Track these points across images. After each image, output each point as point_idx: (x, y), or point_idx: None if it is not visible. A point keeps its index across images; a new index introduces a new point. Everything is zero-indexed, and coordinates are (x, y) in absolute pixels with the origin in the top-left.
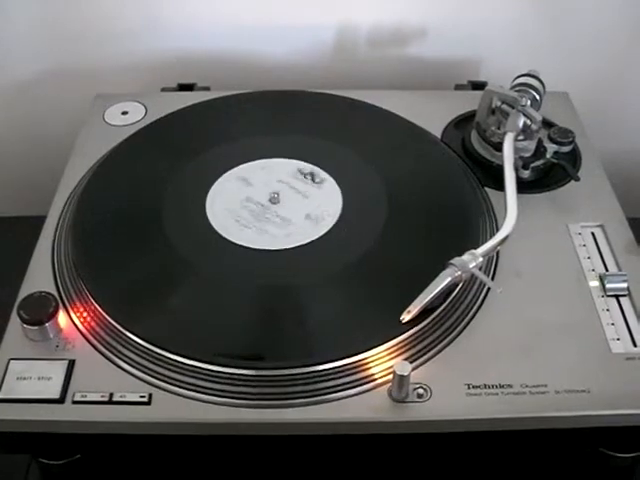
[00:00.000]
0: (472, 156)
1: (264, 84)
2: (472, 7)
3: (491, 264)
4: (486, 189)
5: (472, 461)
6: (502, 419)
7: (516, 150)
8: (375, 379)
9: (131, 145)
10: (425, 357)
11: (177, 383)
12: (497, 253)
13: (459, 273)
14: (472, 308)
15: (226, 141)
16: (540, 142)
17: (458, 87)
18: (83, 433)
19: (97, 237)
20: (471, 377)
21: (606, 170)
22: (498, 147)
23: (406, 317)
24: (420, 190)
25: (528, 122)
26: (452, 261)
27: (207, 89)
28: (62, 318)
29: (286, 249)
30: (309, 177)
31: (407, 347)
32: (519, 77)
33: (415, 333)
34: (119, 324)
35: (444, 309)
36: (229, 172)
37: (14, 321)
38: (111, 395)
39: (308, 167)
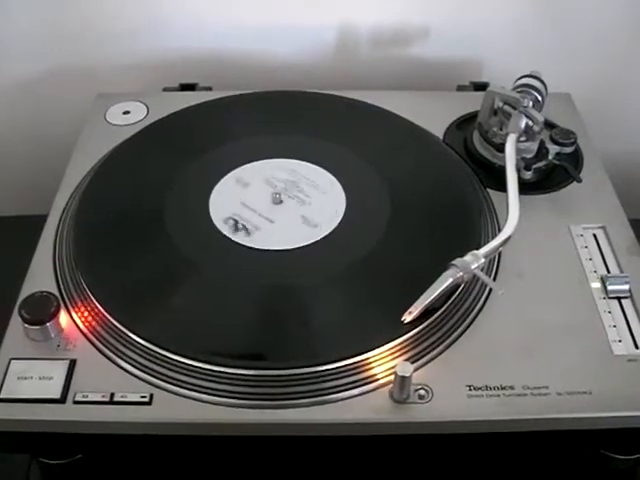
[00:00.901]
0: (474, 157)
1: (266, 84)
2: (474, 7)
3: (493, 265)
4: (488, 190)
5: (473, 462)
6: (503, 421)
7: (518, 151)
8: (376, 380)
9: (133, 145)
10: (426, 358)
11: (178, 383)
12: (499, 254)
13: (461, 274)
14: (474, 309)
15: (228, 141)
16: (542, 143)
17: (460, 88)
18: (84, 433)
19: (98, 237)
20: (472, 378)
21: (608, 171)
22: (500, 148)
23: (407, 318)
24: (422, 191)
25: (530, 123)
26: (454, 262)
27: (209, 89)
28: (63, 318)
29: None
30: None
31: (409, 348)
32: (521, 78)
33: (417, 334)
34: (120, 324)
35: (446, 310)
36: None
37: (15, 321)
38: (112, 395)
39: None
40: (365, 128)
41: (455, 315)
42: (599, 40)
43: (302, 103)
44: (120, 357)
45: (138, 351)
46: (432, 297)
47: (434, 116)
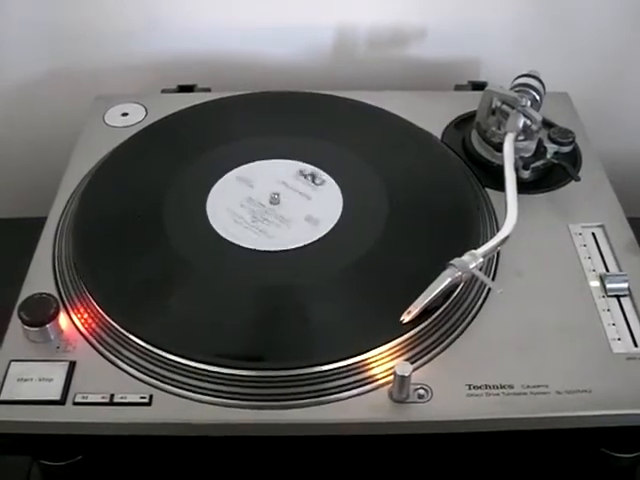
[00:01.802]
0: (472, 156)
1: (264, 85)
2: (472, 7)
3: (492, 264)
4: (486, 189)
5: (473, 462)
6: (503, 419)
7: (516, 150)
8: (376, 380)
9: (131, 147)
10: (426, 358)
11: (178, 384)
12: (497, 253)
13: (459, 274)
14: (473, 309)
15: (226, 142)
16: (540, 142)
17: (458, 87)
18: (84, 434)
19: (98, 238)
20: (472, 378)
21: (606, 170)
22: (498, 147)
23: (406, 318)
24: (420, 191)
25: (528, 122)
26: (452, 262)
27: (207, 90)
28: (63, 319)
29: (287, 250)
30: (310, 178)
31: (408, 348)
32: (519, 77)
33: (416, 334)
34: (120, 325)
35: (444, 310)
36: (229, 173)
37: (15, 323)
38: (112, 396)
39: (309, 168)
40: (363, 128)
41: (454, 315)
42: (597, 40)
43: (300, 104)
44: (120, 358)
45: (137, 352)
46: (431, 297)
47: (432, 116)
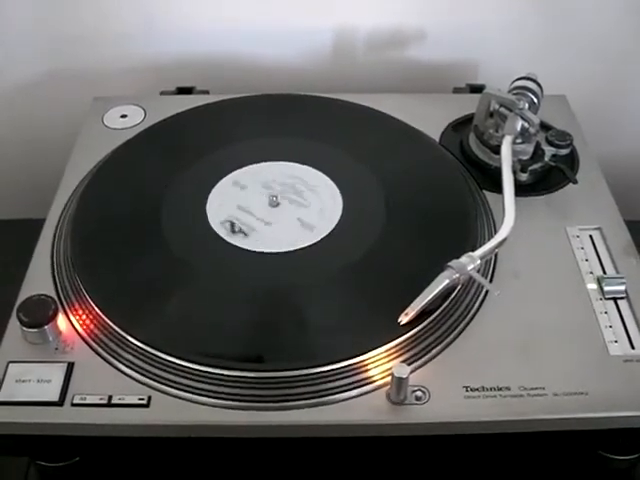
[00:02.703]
0: (470, 159)
1: (263, 87)
2: (470, 10)
3: (489, 266)
4: (484, 192)
5: (470, 463)
6: (500, 421)
7: (514, 153)
8: (373, 381)
9: (130, 148)
10: (423, 359)
11: (176, 386)
12: (495, 255)
13: (457, 275)
14: (470, 310)
15: (225, 144)
16: (538, 145)
17: (456, 90)
18: (82, 436)
19: (96, 240)
20: (469, 379)
21: (604, 173)
22: (496, 150)
23: (404, 319)
24: (418, 193)
25: (526, 125)
26: (450, 263)
27: (206, 93)
28: (61, 321)
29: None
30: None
31: (405, 349)
32: (517, 80)
33: (413, 335)
34: (118, 327)
35: (442, 311)
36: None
37: (13, 324)
38: (110, 398)
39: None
40: (362, 130)
41: (452, 316)
42: (596, 43)
43: (299, 106)
44: (118, 360)
45: (136, 354)
46: (428, 299)
47: (430, 118)
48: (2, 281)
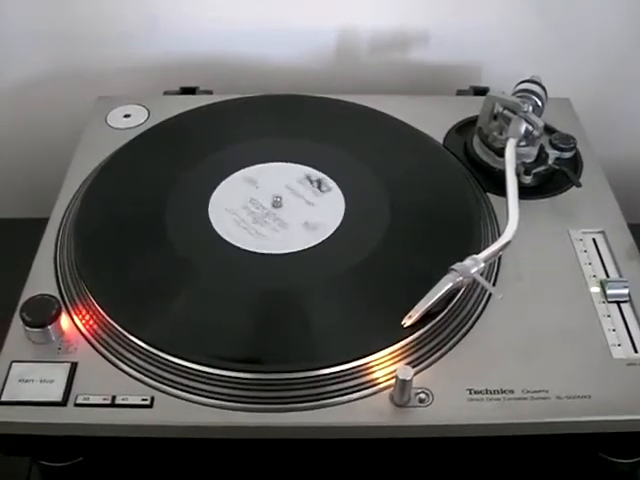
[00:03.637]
0: (474, 162)
1: (266, 88)
2: (474, 12)
3: (493, 269)
4: (488, 194)
5: (473, 466)
6: (503, 424)
7: (518, 156)
8: (377, 384)
9: (133, 148)
10: (427, 362)
11: (179, 386)
12: (499, 258)
13: (461, 278)
14: (474, 313)
15: (228, 145)
16: (542, 148)
17: (460, 92)
18: (85, 436)
19: (99, 240)
20: (473, 382)
21: (607, 176)
22: (500, 153)
23: (407, 322)
24: (422, 195)
25: (530, 128)
26: (454, 266)
27: (209, 93)
28: (64, 321)
29: (289, 253)
30: (315, 184)
31: (409, 352)
32: (521, 83)
33: (417, 338)
34: (121, 327)
35: (446, 314)
36: (231, 176)
37: (16, 324)
38: (113, 398)
39: (315, 173)
40: (365, 132)
41: (455, 319)
42: (600, 45)
43: (302, 107)
44: (121, 360)
45: (139, 354)
46: (432, 301)
47: (434, 120)
48: (5, 281)
